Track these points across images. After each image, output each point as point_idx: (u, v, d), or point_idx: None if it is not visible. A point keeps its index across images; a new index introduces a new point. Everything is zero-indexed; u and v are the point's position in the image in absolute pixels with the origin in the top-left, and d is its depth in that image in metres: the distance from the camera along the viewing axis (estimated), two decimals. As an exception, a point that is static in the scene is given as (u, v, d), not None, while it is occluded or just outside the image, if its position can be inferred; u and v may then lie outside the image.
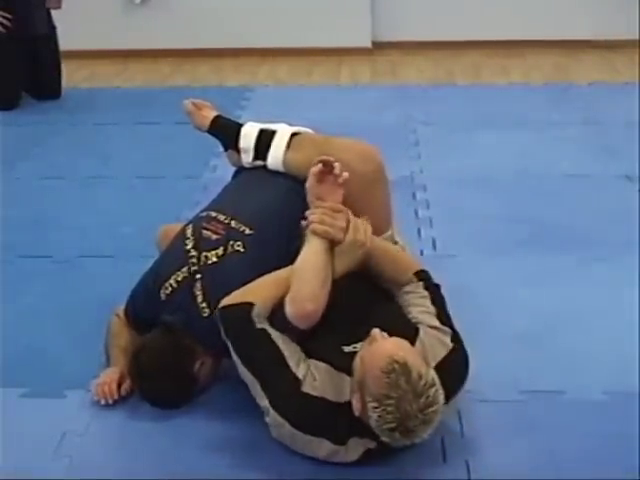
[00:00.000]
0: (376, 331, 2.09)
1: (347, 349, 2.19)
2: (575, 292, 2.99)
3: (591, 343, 2.68)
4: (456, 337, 2.27)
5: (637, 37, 6.32)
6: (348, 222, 2.32)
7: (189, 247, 2.48)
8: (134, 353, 2.40)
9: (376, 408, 1.97)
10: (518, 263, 3.20)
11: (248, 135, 2.73)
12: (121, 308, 2.59)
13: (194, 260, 2.44)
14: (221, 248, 2.45)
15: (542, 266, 3.16)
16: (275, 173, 2.68)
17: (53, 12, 5.38)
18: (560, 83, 5.69)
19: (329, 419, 2.11)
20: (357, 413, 2.05)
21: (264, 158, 2.69)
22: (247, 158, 2.73)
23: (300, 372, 2.14)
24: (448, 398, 2.07)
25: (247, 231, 2.47)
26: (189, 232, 2.53)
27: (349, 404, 2.08)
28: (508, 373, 2.50)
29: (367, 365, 2.02)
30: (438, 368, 2.10)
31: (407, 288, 2.37)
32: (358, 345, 2.17)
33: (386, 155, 2.66)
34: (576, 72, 5.96)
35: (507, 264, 3.20)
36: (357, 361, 2.09)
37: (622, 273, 3.11)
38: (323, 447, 2.11)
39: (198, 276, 2.41)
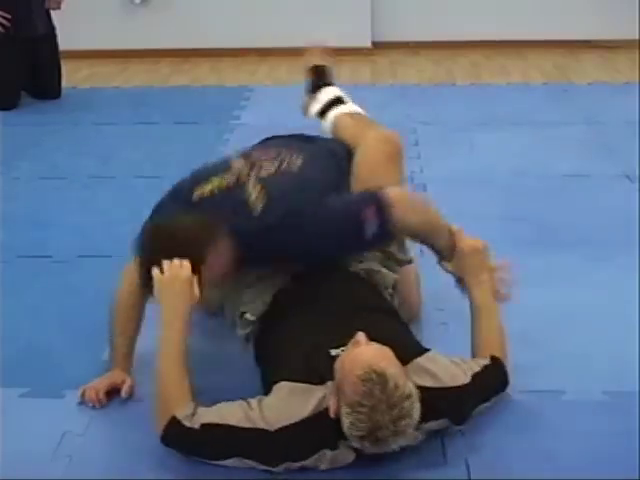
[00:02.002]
0: (361, 334, 2.07)
1: (334, 352, 2.14)
2: (575, 292, 2.98)
3: (591, 343, 2.68)
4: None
5: (637, 37, 6.33)
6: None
7: (234, 159, 2.46)
8: (148, 234, 2.32)
9: (349, 414, 1.95)
10: (518, 263, 3.19)
11: (330, 92, 3.05)
12: (130, 268, 2.43)
13: (246, 170, 2.39)
14: (276, 162, 2.44)
15: (542, 266, 3.15)
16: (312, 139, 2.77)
17: (53, 12, 5.38)
18: (560, 83, 5.69)
19: (315, 433, 2.06)
20: (332, 415, 2.02)
21: (324, 116, 2.97)
22: (314, 109, 3.02)
23: (258, 422, 2.06)
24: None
25: (298, 157, 2.48)
26: (233, 157, 2.51)
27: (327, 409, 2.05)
28: (508, 373, 2.50)
29: (346, 370, 1.99)
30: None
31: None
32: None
33: (386, 155, 2.66)
34: (576, 72, 5.96)
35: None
36: (338, 364, 2.05)
37: (622, 273, 3.11)
38: (325, 458, 2.07)
39: (252, 178, 2.35)
